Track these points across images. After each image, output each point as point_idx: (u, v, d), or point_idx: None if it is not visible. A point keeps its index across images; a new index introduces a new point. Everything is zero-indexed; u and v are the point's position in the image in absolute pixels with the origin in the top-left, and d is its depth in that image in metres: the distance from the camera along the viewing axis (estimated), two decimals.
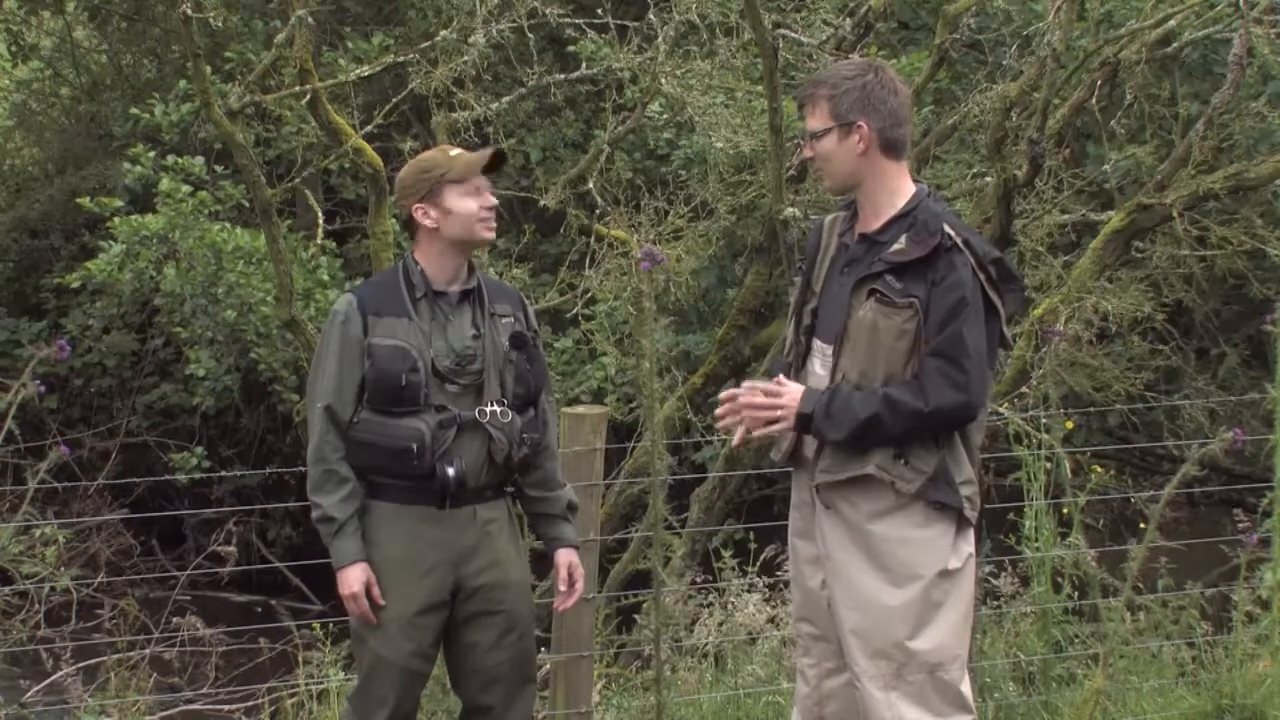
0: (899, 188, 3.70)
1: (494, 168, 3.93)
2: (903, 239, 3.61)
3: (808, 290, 3.81)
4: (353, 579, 3.77)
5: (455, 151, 3.91)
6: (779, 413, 3.66)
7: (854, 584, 3.65)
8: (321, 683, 5.44)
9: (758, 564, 6.02)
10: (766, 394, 3.68)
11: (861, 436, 3.57)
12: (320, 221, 9.99)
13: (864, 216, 3.74)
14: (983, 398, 3.63)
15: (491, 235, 3.95)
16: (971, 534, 3.70)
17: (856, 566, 3.65)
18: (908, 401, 3.53)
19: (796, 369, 3.81)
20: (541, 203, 8.66)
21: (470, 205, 3.84)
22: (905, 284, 3.57)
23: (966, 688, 3.70)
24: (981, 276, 3.58)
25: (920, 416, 3.53)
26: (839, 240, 3.78)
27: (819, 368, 3.73)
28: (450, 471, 3.77)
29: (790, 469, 3.89)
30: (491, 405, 3.83)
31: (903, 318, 3.56)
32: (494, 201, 3.90)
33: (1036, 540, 5.26)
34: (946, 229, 3.58)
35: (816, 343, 3.75)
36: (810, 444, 3.75)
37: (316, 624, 5.80)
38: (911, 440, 3.57)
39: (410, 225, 3.91)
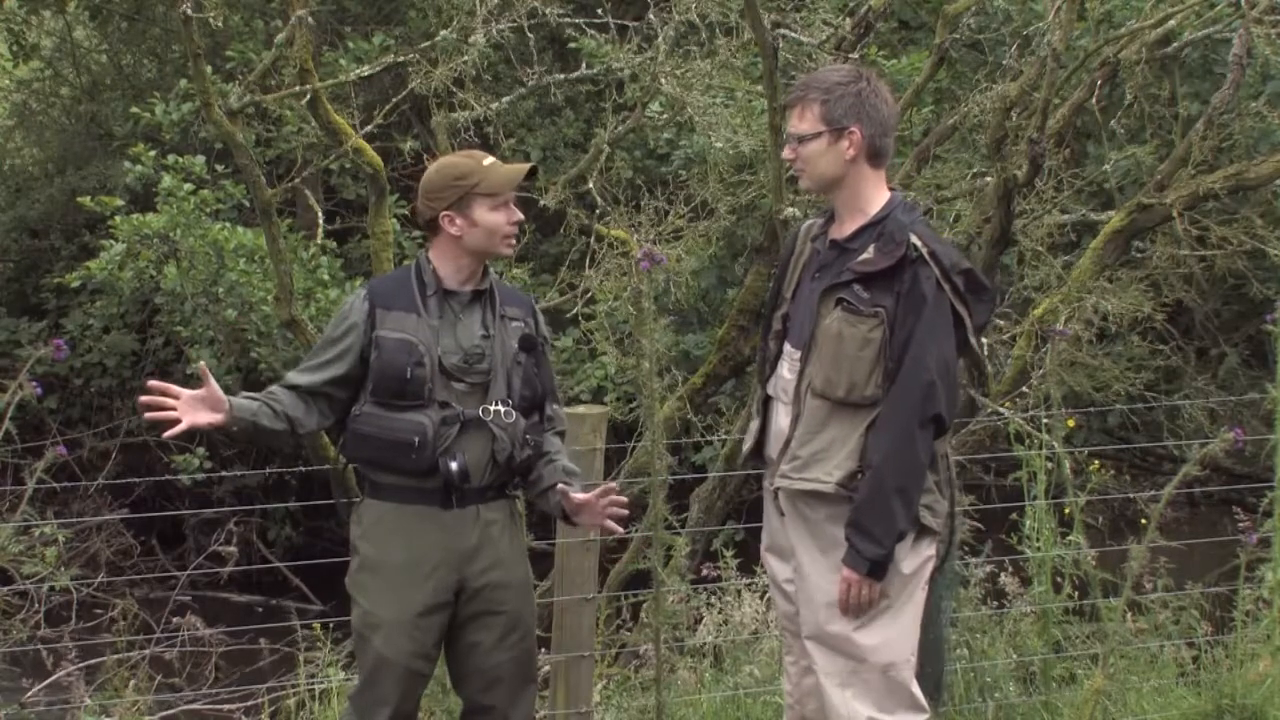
0: (874, 196, 3.73)
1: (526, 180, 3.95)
2: (871, 248, 3.65)
3: (779, 296, 3.86)
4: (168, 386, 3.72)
5: (489, 161, 3.89)
6: (867, 599, 3.65)
7: (813, 585, 3.72)
8: (322, 682, 5.44)
9: (758, 565, 6.01)
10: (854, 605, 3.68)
11: (905, 504, 3.59)
12: (320, 221, 9.99)
13: (838, 222, 3.78)
14: (951, 409, 3.66)
15: (511, 251, 3.95)
16: (932, 541, 3.74)
17: (818, 571, 3.72)
18: (895, 451, 3.57)
19: (767, 374, 3.85)
20: (541, 203, 8.66)
21: (498, 219, 3.84)
22: (873, 294, 3.61)
23: (916, 688, 3.75)
24: (947, 287, 3.61)
25: (911, 449, 3.57)
26: (812, 245, 3.82)
27: (786, 372, 3.78)
28: (453, 466, 3.76)
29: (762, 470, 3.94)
30: (496, 404, 3.83)
31: (868, 327, 3.60)
32: (520, 217, 3.90)
33: (1037, 540, 5.26)
34: (913, 240, 3.61)
35: (786, 347, 3.80)
36: (775, 445, 3.79)
37: (317, 624, 5.80)
38: (870, 457, 3.61)
39: (431, 226, 3.90)
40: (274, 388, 3.88)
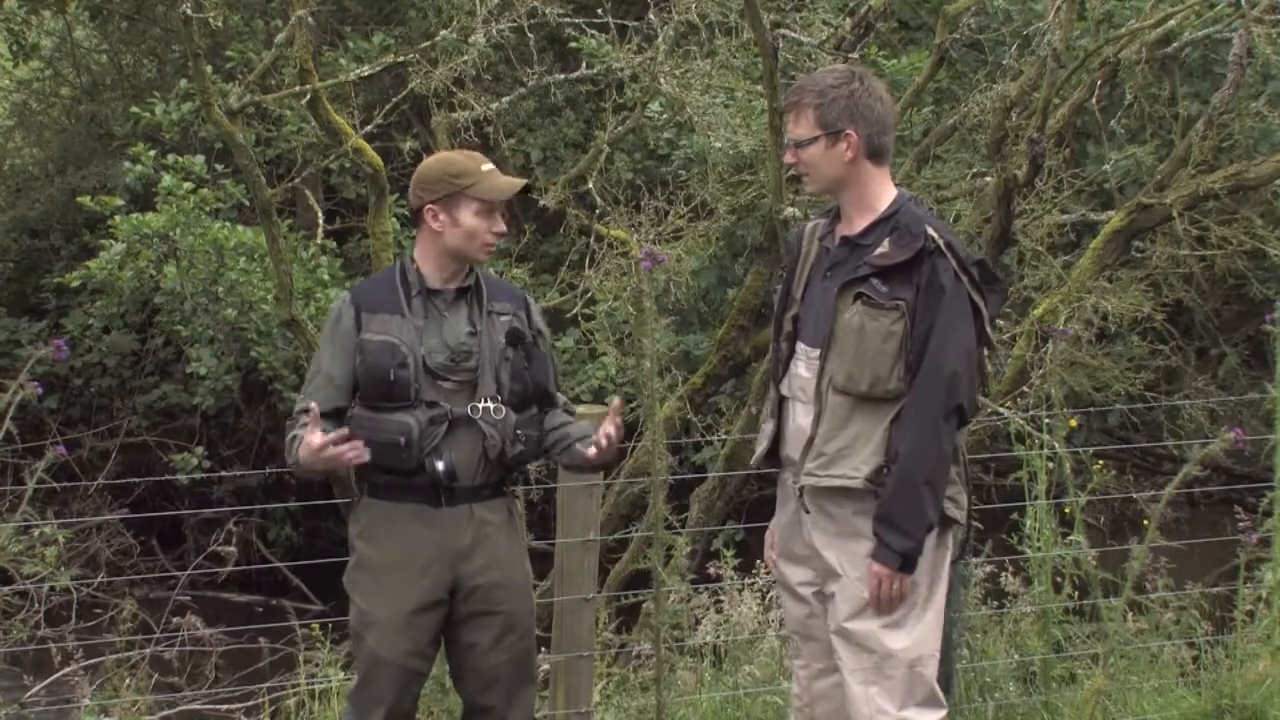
0: (881, 192, 3.73)
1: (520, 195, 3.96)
2: (886, 242, 3.65)
3: (788, 297, 3.85)
4: (311, 440, 3.67)
5: (488, 166, 3.90)
6: (899, 594, 3.65)
7: (841, 583, 3.71)
8: (322, 682, 5.44)
9: (761, 565, 6.01)
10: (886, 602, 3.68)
11: (933, 496, 3.59)
12: (320, 221, 10.00)
13: (846, 220, 3.77)
14: (972, 399, 3.67)
15: (487, 258, 3.96)
16: (953, 534, 3.75)
17: (845, 568, 3.70)
18: (921, 443, 3.57)
19: (780, 375, 3.84)
20: (541, 203, 8.66)
21: (481, 226, 3.84)
22: (891, 287, 3.61)
23: (937, 686, 3.76)
24: (965, 278, 3.61)
25: (936, 441, 3.58)
26: (819, 244, 3.81)
27: (804, 370, 3.76)
28: (440, 466, 3.77)
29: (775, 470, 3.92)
30: (485, 402, 3.82)
31: (890, 319, 3.60)
32: (504, 229, 3.90)
33: (1037, 540, 5.26)
34: (930, 232, 3.62)
35: (800, 346, 3.79)
36: (795, 444, 3.78)
37: (316, 624, 5.79)
38: (895, 450, 3.61)
39: (416, 217, 3.91)
40: (303, 419, 3.82)
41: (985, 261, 3.72)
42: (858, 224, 3.73)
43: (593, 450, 3.85)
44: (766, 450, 3.88)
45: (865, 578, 3.66)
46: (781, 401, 3.85)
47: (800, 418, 3.76)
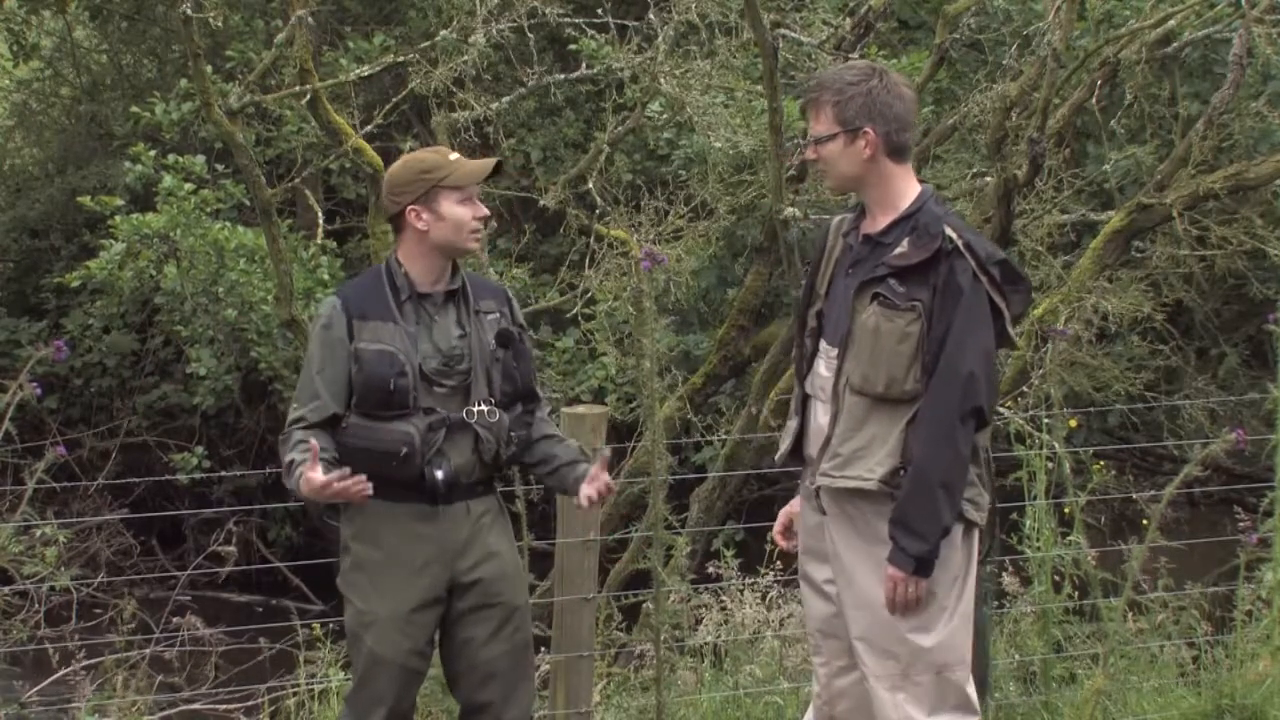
0: (903, 189, 3.70)
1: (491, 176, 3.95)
2: (905, 242, 3.61)
3: (812, 293, 3.82)
4: (314, 478, 3.64)
5: (454, 155, 3.90)
6: (914, 597, 3.61)
7: (860, 586, 3.67)
8: (322, 683, 5.44)
9: (766, 563, 6.01)
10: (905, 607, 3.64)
11: (949, 498, 3.56)
12: (320, 221, 10.01)
13: (869, 217, 3.75)
14: (991, 401, 3.64)
15: (477, 246, 3.95)
16: (976, 535, 3.71)
17: (864, 570, 3.67)
18: (937, 445, 3.54)
19: (805, 371, 3.82)
20: (541, 203, 8.67)
21: (464, 214, 3.83)
22: (908, 287, 3.58)
23: (971, 689, 3.71)
24: (984, 278, 3.58)
25: (952, 442, 3.55)
26: (843, 241, 3.78)
27: (823, 369, 3.74)
28: (439, 475, 3.76)
29: (795, 469, 3.90)
30: (479, 405, 3.82)
31: (905, 320, 3.57)
32: (486, 212, 3.90)
33: (1037, 540, 5.25)
34: (948, 232, 3.58)
35: (823, 344, 3.76)
36: (815, 443, 3.76)
37: (317, 624, 5.79)
38: (911, 452, 3.58)
39: (397, 223, 3.89)
40: (299, 433, 3.78)
41: (1008, 260, 3.67)
42: (880, 221, 3.70)
43: (585, 502, 3.87)
44: (790, 448, 3.85)
45: (884, 581, 3.62)
46: (805, 399, 3.83)
47: (820, 417, 3.74)
